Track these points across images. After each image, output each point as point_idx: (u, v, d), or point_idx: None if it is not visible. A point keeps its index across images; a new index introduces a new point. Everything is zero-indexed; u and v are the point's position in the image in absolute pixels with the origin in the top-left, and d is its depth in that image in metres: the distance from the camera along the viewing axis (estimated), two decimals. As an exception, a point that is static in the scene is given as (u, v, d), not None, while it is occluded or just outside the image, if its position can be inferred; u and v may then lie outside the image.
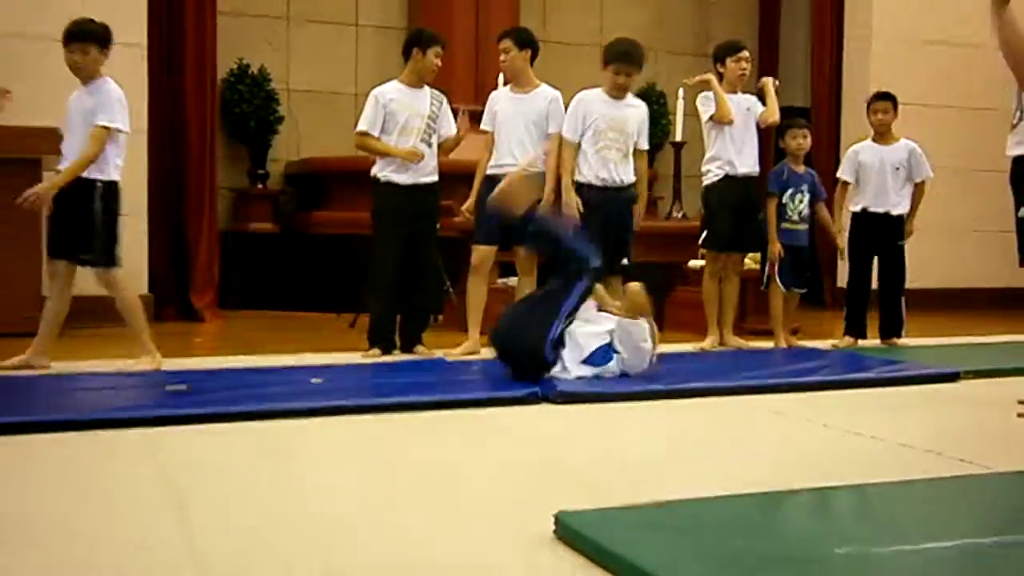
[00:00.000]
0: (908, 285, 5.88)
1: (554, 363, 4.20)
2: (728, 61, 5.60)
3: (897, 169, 5.80)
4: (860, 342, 5.83)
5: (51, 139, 4.76)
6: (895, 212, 5.79)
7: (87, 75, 4.38)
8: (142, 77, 6.52)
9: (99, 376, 4.15)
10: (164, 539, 2.13)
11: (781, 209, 5.71)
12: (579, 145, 5.18)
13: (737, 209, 5.60)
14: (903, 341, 5.82)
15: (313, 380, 4.09)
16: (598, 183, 5.16)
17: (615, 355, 4.27)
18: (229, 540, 2.13)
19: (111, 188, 4.41)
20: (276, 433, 3.27)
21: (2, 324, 5.24)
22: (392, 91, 5.14)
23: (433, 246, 5.26)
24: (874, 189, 5.81)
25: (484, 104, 5.44)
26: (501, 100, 5.31)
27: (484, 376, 4.38)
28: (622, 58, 5.18)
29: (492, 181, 5.07)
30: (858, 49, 8.52)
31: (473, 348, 5.15)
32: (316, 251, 7.49)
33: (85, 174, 4.32)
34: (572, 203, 5.09)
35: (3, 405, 3.51)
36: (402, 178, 5.08)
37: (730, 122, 5.53)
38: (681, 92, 6.88)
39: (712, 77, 5.58)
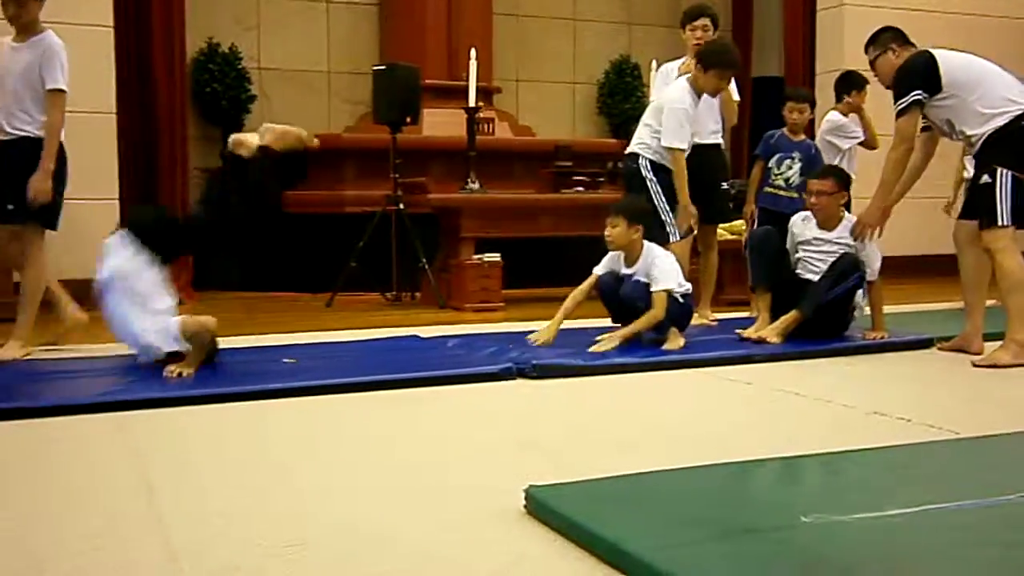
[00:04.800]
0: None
1: None
2: (686, 28, 5.48)
3: None
4: None
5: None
6: None
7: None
8: (109, 59, 6.45)
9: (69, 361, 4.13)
10: (133, 523, 2.13)
11: (766, 173, 5.67)
12: None
13: (697, 180, 5.19)
14: None
15: (285, 360, 4.09)
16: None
17: None
18: (197, 520, 2.12)
19: None
20: (249, 413, 3.27)
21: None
22: None
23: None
24: None
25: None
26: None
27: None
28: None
29: None
30: (831, 20, 8.49)
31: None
32: (294, 231, 7.45)
33: (36, 133, 4.33)
34: None
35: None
36: None
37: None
38: (654, 64, 6.85)
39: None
